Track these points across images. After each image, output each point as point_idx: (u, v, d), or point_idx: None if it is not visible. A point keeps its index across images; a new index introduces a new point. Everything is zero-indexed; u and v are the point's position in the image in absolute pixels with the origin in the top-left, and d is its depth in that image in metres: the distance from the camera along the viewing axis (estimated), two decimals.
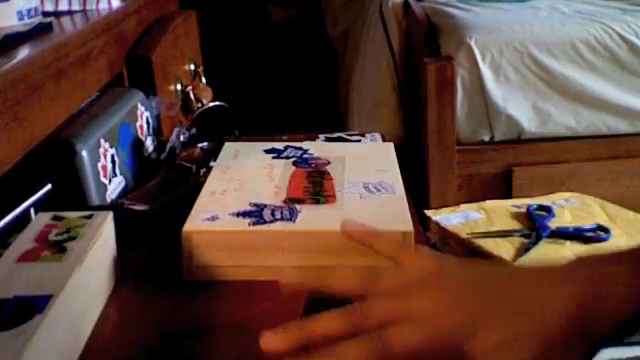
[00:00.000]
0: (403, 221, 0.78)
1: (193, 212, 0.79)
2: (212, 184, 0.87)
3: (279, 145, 1.01)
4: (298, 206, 0.81)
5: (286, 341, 0.54)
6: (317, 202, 0.82)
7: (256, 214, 0.79)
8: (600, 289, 0.51)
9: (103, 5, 1.20)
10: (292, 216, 0.78)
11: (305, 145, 1.02)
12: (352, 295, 0.56)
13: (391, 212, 0.81)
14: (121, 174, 0.97)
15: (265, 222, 0.77)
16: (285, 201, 0.82)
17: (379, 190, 0.86)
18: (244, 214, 0.79)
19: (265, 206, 0.81)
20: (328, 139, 1.15)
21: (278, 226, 0.77)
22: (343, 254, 0.74)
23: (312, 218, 0.79)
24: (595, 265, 0.54)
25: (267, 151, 0.99)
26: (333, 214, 0.80)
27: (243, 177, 0.89)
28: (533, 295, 0.53)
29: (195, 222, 0.77)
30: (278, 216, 0.78)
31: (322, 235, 0.76)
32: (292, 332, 0.54)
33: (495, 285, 0.55)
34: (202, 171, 0.99)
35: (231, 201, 0.82)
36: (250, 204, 0.81)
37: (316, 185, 0.87)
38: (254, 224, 0.77)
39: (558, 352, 0.51)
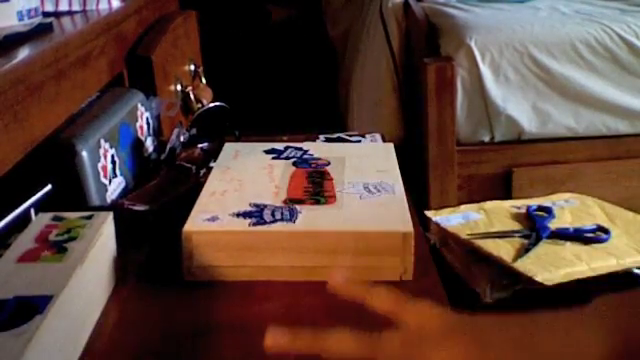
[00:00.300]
0: (403, 222, 0.78)
1: (193, 212, 0.79)
2: (212, 184, 0.87)
3: (279, 145, 1.01)
4: (298, 206, 0.81)
5: None
6: (317, 202, 0.82)
7: (256, 214, 0.79)
8: (631, 334, 0.49)
9: (103, 5, 1.20)
10: (292, 216, 0.78)
11: (305, 145, 1.02)
12: None
13: (391, 213, 0.81)
14: (121, 174, 0.97)
15: (265, 222, 0.77)
16: (285, 201, 0.82)
17: (379, 190, 0.86)
18: (244, 214, 0.79)
19: (265, 206, 0.81)
20: (328, 139, 1.15)
21: (278, 226, 0.77)
22: (343, 254, 0.74)
23: (312, 218, 0.79)
24: (620, 306, 0.52)
25: (267, 151, 0.99)
26: (333, 214, 0.80)
27: (243, 177, 0.89)
28: (559, 341, 0.49)
29: (195, 222, 0.77)
30: (278, 216, 0.78)
31: (322, 235, 0.76)
32: None
33: (514, 333, 0.50)
34: (202, 171, 0.99)
35: (231, 201, 0.82)
36: (250, 204, 0.81)
37: (316, 185, 0.87)
38: (254, 224, 0.77)
39: None
